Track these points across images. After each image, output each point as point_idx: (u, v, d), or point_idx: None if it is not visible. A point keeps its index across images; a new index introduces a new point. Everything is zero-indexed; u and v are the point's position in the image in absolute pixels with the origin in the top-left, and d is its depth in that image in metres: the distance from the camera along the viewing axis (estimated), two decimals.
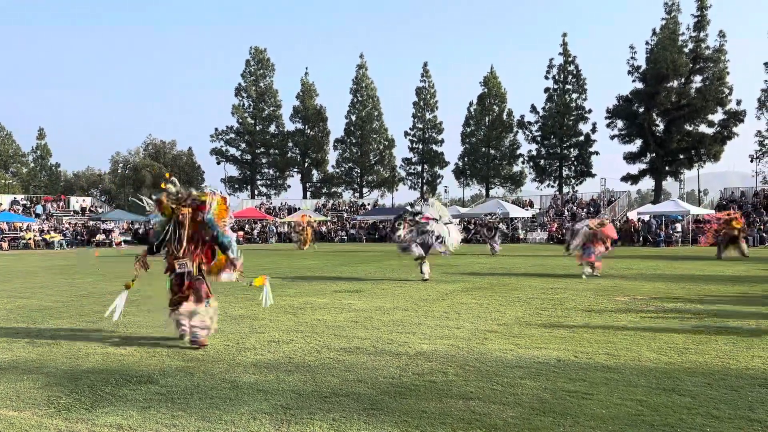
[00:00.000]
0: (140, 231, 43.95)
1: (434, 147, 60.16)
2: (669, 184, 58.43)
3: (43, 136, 64.25)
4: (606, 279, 14.23)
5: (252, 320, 8.68)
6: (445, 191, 63.17)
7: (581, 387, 5.06)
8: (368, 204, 56.61)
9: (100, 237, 39.61)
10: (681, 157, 48.56)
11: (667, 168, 49.49)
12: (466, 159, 57.99)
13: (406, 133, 60.40)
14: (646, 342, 6.86)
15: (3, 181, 56.43)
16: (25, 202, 45.29)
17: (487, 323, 8.21)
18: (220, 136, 61.24)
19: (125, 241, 40.30)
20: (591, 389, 5.00)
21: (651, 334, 7.35)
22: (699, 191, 57.42)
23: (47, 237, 36.94)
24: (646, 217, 36.41)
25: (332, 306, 10.05)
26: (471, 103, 58.06)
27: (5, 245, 35.10)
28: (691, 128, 48.38)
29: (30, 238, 36.34)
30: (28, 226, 38.67)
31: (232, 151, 61.82)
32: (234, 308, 9.90)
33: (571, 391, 4.95)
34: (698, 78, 48.09)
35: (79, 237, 39.97)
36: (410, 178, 61.71)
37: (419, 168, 60.84)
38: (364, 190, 62.25)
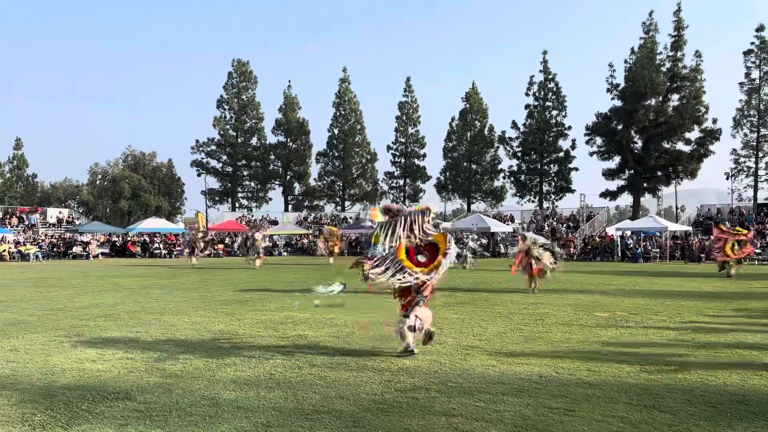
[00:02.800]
0: (118, 243, 43.38)
1: (416, 161, 60.37)
2: (647, 200, 59.28)
3: (20, 146, 63.27)
4: (586, 294, 14.33)
5: (232, 336, 8.58)
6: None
7: (563, 404, 5.07)
8: (350, 217, 56.53)
9: (77, 249, 38.99)
10: (659, 174, 49.26)
11: (645, 185, 50.16)
12: (448, 173, 58.25)
13: (389, 147, 60.56)
14: (627, 358, 6.91)
15: None
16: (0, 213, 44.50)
17: (468, 338, 8.21)
18: (201, 148, 60.85)
19: (103, 254, 39.71)
20: (573, 406, 5.01)
21: (631, 350, 7.41)
22: (676, 207, 58.15)
23: (23, 249, 36.27)
24: (627, 233, 36.81)
25: (314, 321, 9.98)
26: (453, 119, 58.45)
27: None
28: (668, 146, 49.17)
29: (4, 250, 35.64)
30: (2, 237, 37.95)
31: (213, 163, 61.44)
32: (214, 323, 9.78)
33: (553, 407, 4.95)
34: (675, 96, 48.97)
35: (55, 249, 39.31)
36: (392, 191, 61.77)
37: (401, 182, 60.97)
38: (347, 203, 62.17)
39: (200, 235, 29.56)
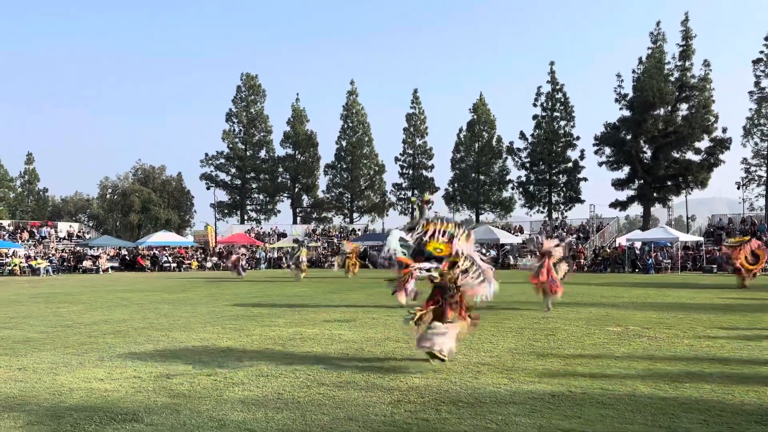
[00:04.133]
0: (127, 257, 43.54)
1: (424, 172, 60.36)
2: (657, 210, 58.84)
3: (32, 161, 63.88)
4: (597, 308, 14.18)
5: (240, 353, 8.52)
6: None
7: (576, 424, 4.97)
8: (359, 229, 56.52)
9: (88, 263, 39.15)
10: (668, 183, 48.97)
11: (655, 194, 49.86)
12: (456, 184, 58.19)
13: (397, 159, 60.61)
14: (641, 375, 6.79)
15: None
16: (11, 227, 44.81)
17: (479, 355, 8.10)
18: (210, 161, 61.14)
19: (112, 268, 39.85)
20: (586, 426, 4.91)
21: (645, 367, 7.29)
22: (687, 217, 57.82)
23: (33, 263, 36.45)
24: (638, 244, 36.54)
25: (322, 337, 9.91)
26: (461, 130, 58.47)
27: None
28: (678, 155, 48.92)
29: (15, 265, 35.83)
30: (14, 252, 38.18)
31: (222, 176, 61.69)
32: (222, 340, 9.73)
33: (567, 429, 4.86)
34: (684, 106, 48.78)
35: (66, 263, 39.49)
36: (400, 203, 61.74)
37: (409, 193, 60.94)
38: (355, 215, 62.16)
39: (242, 251, 32.06)
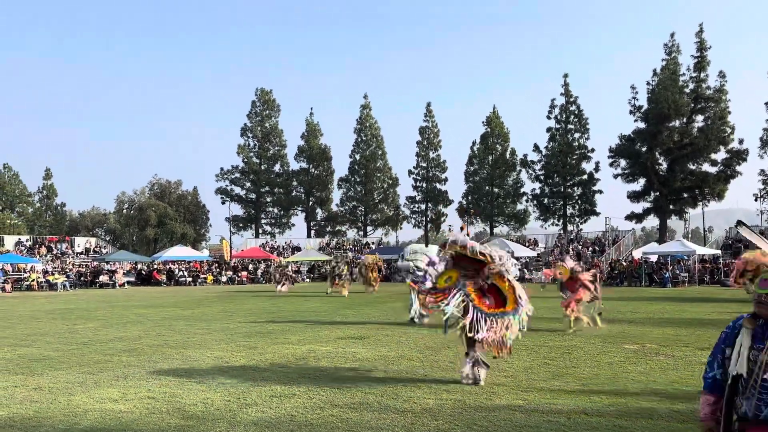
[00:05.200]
0: (143, 272, 43.86)
1: (438, 185, 60.28)
2: (674, 221, 58.22)
3: (50, 176, 64.72)
4: (613, 324, 14.01)
5: (254, 371, 8.52)
6: (449, 230, 62.91)
7: None
8: (372, 242, 56.51)
9: (104, 278, 39.48)
10: (685, 196, 48.49)
11: (671, 207, 49.38)
12: (469, 197, 58.05)
13: (410, 172, 60.63)
14: (658, 397, 6.68)
15: (8, 222, 56.57)
16: (29, 242, 45.35)
17: (494, 374, 8.03)
18: (225, 176, 61.62)
19: (129, 282, 40.15)
20: None
21: (662, 388, 7.18)
22: (704, 229, 57.08)
23: (50, 278, 36.82)
24: (653, 257, 36.15)
25: (335, 355, 9.88)
26: (474, 143, 58.43)
27: (8, 287, 34.96)
28: (694, 167, 48.44)
29: (33, 280, 36.22)
30: (32, 267, 38.61)
31: (237, 190, 62.12)
32: (236, 358, 9.73)
33: None
34: (700, 117, 48.34)
35: (82, 278, 39.85)
36: (414, 216, 61.67)
37: (423, 206, 60.87)
38: (368, 228, 62.20)
39: (284, 266, 32.79)
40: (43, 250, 44.02)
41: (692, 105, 47.58)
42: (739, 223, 3.90)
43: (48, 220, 63.05)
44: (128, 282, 40.10)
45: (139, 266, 44.84)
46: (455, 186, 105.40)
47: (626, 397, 6.65)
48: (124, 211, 64.83)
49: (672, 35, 49.31)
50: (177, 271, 43.29)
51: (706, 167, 48.32)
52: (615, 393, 6.92)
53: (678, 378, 7.83)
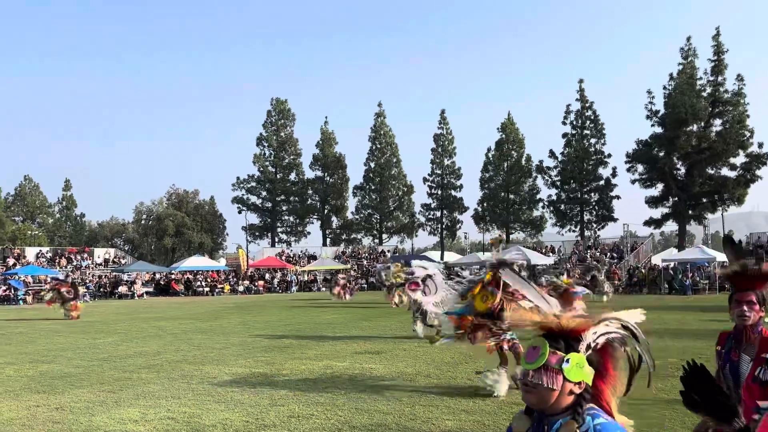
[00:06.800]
0: (162, 282, 44.24)
1: (453, 192, 60.20)
2: (693, 226, 57.50)
3: (69, 187, 65.65)
4: None
5: (272, 389, 8.55)
6: (465, 237, 62.84)
7: None
8: (388, 250, 56.52)
9: (123, 289, 39.89)
10: (704, 200, 47.97)
11: (690, 212, 48.86)
12: (485, 204, 57.87)
13: (425, 179, 60.63)
14: (680, 418, 6.60)
15: (29, 233, 57.43)
16: (49, 254, 45.95)
17: (515, 394, 7.97)
18: (241, 185, 62.05)
19: (147, 293, 40.51)
20: None
21: (683, 408, 7.07)
22: (724, 236, 56.33)
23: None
24: (671, 264, 35.74)
25: (353, 371, 9.88)
26: (489, 149, 58.31)
27: (29, 299, 35.45)
28: (713, 172, 47.92)
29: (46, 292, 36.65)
30: (52, 278, 39.08)
31: (253, 199, 62.51)
32: (254, 375, 9.77)
33: None
34: (718, 122, 47.83)
35: (102, 289, 40.29)
36: (429, 223, 61.63)
37: (438, 213, 60.82)
38: (384, 236, 62.26)
39: (342, 276, 33.35)
40: (63, 261, 44.57)
41: (710, 109, 47.11)
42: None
43: (68, 231, 63.88)
44: (147, 292, 40.48)
45: (157, 276, 45.24)
46: (470, 193, 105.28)
47: (646, 419, 6.56)
48: (143, 221, 65.54)
49: (688, 39, 48.95)
50: (194, 281, 43.61)
51: (725, 171, 47.82)
52: (635, 414, 6.81)
53: None
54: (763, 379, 3.03)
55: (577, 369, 1.80)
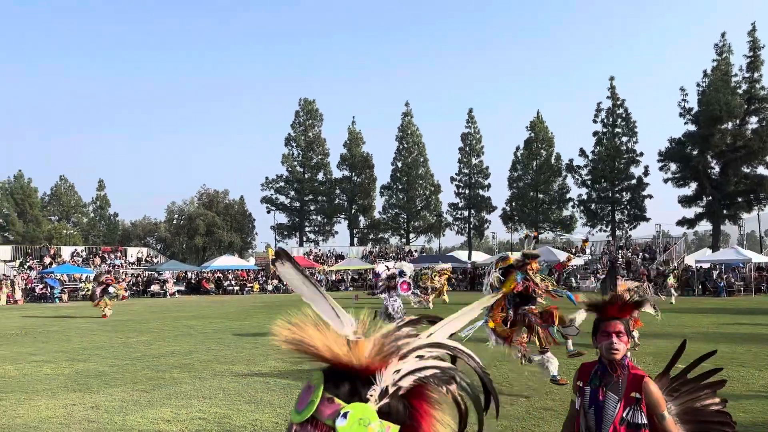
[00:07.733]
0: (193, 280, 44.92)
1: (481, 192, 59.87)
2: (728, 225, 56.24)
3: (103, 187, 67.10)
4: (664, 339, 13.62)
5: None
6: (493, 237, 62.51)
7: None
8: (415, 250, 56.50)
9: (155, 287, 40.62)
10: (739, 200, 46.88)
11: (724, 211, 47.79)
12: (513, 203, 57.41)
13: (452, 179, 60.40)
14: None
15: (65, 232, 58.86)
16: (84, 253, 47.00)
17: (541, 398, 7.93)
18: (270, 185, 62.67)
19: (179, 291, 41.17)
20: None
21: None
22: (760, 236, 54.89)
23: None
24: (706, 265, 35.02)
25: None
26: (518, 148, 57.82)
27: (65, 297, 36.33)
28: (748, 170, 46.80)
29: (88, 290, 37.50)
30: (87, 277, 40.01)
31: (282, 199, 63.09)
32: (283, 376, 9.87)
33: None
34: (754, 119, 46.69)
35: (135, 287, 41.09)
36: (457, 223, 61.41)
37: (466, 213, 60.56)
38: (411, 235, 62.23)
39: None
40: (98, 260, 45.56)
41: (745, 106, 46.02)
42: None
43: (102, 230, 65.29)
44: (178, 291, 41.14)
45: (189, 275, 45.95)
46: (498, 192, 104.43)
47: None
48: (174, 220, 66.64)
49: (723, 35, 47.87)
50: (225, 279, 44.19)
51: (762, 170, 46.66)
52: None
53: (733, 403, 7.56)
54: (631, 422, 2.79)
55: (359, 428, 0.99)
